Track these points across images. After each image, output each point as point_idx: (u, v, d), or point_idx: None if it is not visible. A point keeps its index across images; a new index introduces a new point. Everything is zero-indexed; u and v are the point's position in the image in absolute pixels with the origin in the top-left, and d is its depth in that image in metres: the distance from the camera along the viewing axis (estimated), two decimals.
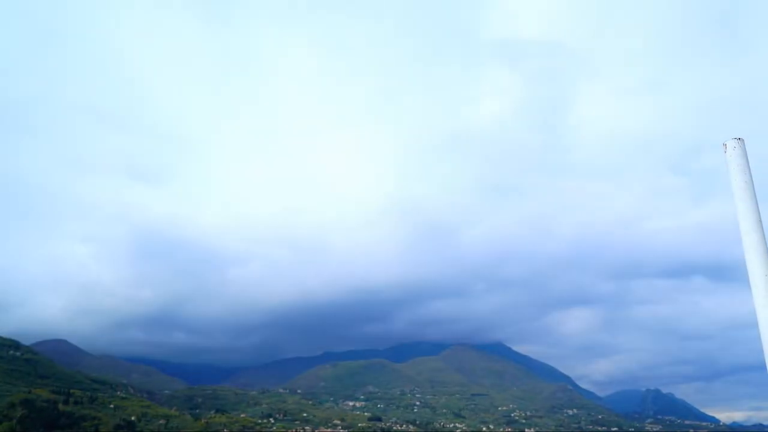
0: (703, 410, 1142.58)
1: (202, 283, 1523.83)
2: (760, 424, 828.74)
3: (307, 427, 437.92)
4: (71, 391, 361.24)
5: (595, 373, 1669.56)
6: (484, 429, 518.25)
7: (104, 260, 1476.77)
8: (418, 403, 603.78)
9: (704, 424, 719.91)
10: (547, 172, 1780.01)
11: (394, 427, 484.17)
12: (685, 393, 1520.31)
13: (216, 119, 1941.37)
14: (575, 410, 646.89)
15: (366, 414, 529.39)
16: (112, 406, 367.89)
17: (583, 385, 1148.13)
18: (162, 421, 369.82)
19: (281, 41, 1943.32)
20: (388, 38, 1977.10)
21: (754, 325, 11.45)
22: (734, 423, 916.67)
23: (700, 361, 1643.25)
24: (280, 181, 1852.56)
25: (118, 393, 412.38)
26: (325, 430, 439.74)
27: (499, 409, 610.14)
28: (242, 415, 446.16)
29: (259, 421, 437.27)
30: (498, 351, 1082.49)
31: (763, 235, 11.70)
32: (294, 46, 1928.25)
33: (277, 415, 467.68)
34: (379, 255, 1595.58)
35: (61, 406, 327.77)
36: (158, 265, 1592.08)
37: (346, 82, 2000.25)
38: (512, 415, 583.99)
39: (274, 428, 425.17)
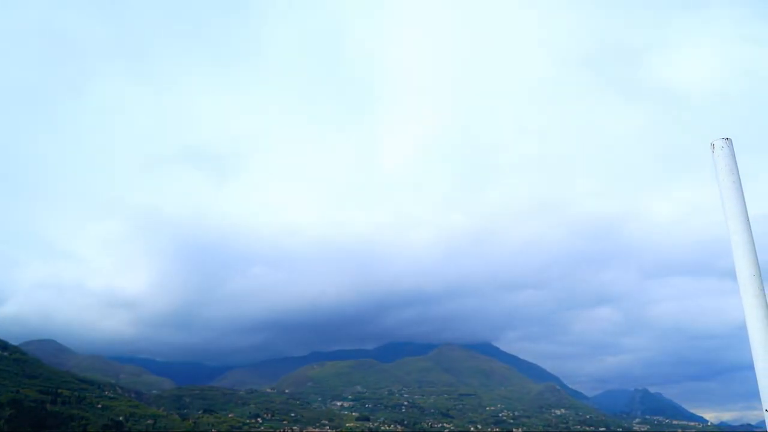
0: (692, 410, 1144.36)
1: (214, 284, 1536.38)
2: (749, 424, 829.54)
3: (294, 427, 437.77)
4: (59, 390, 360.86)
5: (592, 373, 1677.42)
6: (471, 429, 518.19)
7: (112, 259, 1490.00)
8: (406, 403, 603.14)
9: (692, 424, 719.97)
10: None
11: (382, 427, 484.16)
12: (674, 393, 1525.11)
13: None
14: (563, 410, 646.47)
15: (354, 414, 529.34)
16: (100, 406, 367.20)
17: (572, 385, 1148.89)
18: (150, 421, 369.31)
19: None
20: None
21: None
22: (722, 423, 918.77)
23: (698, 362, 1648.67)
24: (321, 189, 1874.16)
25: (106, 393, 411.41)
26: (313, 430, 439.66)
27: (487, 409, 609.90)
28: (230, 415, 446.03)
29: (247, 421, 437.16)
30: (486, 351, 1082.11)
31: (751, 235, 11.77)
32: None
33: (265, 415, 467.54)
34: (409, 260, 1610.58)
35: (48, 406, 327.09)
36: (174, 264, 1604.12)
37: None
38: (500, 415, 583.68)
39: (262, 428, 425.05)
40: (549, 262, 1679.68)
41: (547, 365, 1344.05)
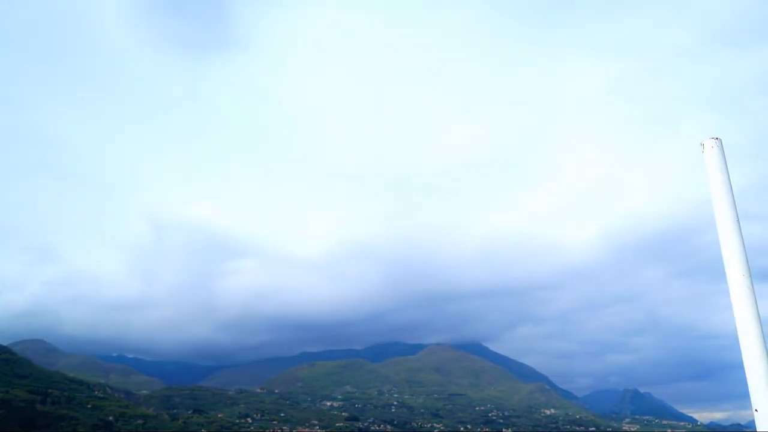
0: (684, 411, 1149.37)
1: (207, 285, 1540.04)
2: (738, 424, 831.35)
3: (284, 427, 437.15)
4: (49, 390, 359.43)
5: (593, 372, 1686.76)
6: (461, 429, 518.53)
7: (110, 259, 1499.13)
8: (395, 403, 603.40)
9: (682, 423, 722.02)
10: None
11: (372, 427, 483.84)
12: (667, 393, 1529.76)
13: None
14: (553, 410, 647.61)
15: (343, 414, 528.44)
16: (89, 406, 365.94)
17: (561, 385, 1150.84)
18: (140, 421, 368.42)
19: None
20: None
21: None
22: (712, 422, 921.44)
23: (695, 362, 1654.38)
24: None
25: (96, 393, 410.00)
26: (303, 430, 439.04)
27: (477, 409, 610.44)
28: (219, 415, 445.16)
29: (237, 421, 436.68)
30: (476, 351, 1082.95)
31: (741, 234, 11.84)
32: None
33: (255, 415, 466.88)
34: (425, 263, 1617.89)
35: (38, 406, 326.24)
36: (169, 266, 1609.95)
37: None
38: (490, 415, 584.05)
39: (252, 428, 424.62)
40: (574, 262, 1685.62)
41: (543, 365, 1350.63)
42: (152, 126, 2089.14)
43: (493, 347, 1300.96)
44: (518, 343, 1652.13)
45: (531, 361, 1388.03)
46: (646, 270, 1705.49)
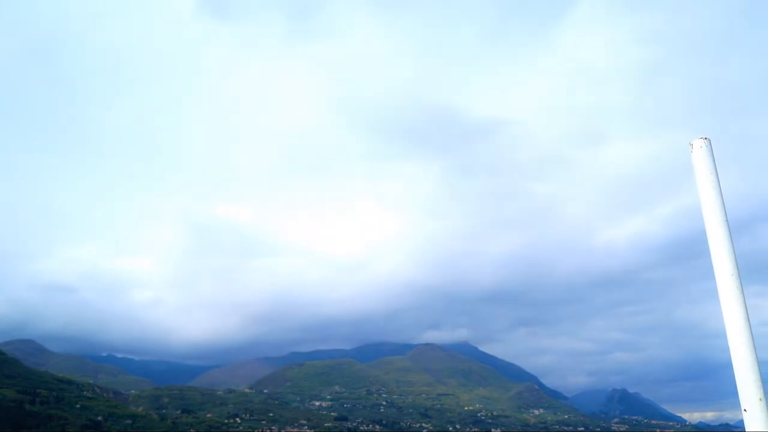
0: (675, 411, 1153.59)
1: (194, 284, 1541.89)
2: (727, 424, 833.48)
3: (273, 427, 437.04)
4: (38, 390, 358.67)
5: (592, 372, 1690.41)
6: (450, 429, 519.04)
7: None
8: (384, 403, 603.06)
9: (671, 423, 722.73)
10: None
11: (361, 427, 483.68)
12: (653, 393, 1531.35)
13: None
14: (541, 410, 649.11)
15: (332, 414, 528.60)
16: (78, 406, 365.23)
17: (551, 385, 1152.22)
18: (128, 421, 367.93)
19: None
20: None
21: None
22: (701, 422, 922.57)
23: (693, 362, 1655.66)
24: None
25: (85, 393, 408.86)
26: (292, 430, 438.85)
27: (466, 408, 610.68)
28: (208, 415, 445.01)
29: (226, 421, 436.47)
30: (464, 351, 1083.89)
31: (730, 234, 11.86)
32: None
33: (244, 415, 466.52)
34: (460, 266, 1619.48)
35: (27, 406, 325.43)
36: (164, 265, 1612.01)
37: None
38: (478, 414, 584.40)
39: (240, 428, 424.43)
40: (589, 263, 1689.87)
41: (536, 365, 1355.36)
42: (174, 124, 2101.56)
43: (482, 347, 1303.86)
44: (514, 344, 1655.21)
45: (522, 361, 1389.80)
46: (658, 270, 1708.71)
